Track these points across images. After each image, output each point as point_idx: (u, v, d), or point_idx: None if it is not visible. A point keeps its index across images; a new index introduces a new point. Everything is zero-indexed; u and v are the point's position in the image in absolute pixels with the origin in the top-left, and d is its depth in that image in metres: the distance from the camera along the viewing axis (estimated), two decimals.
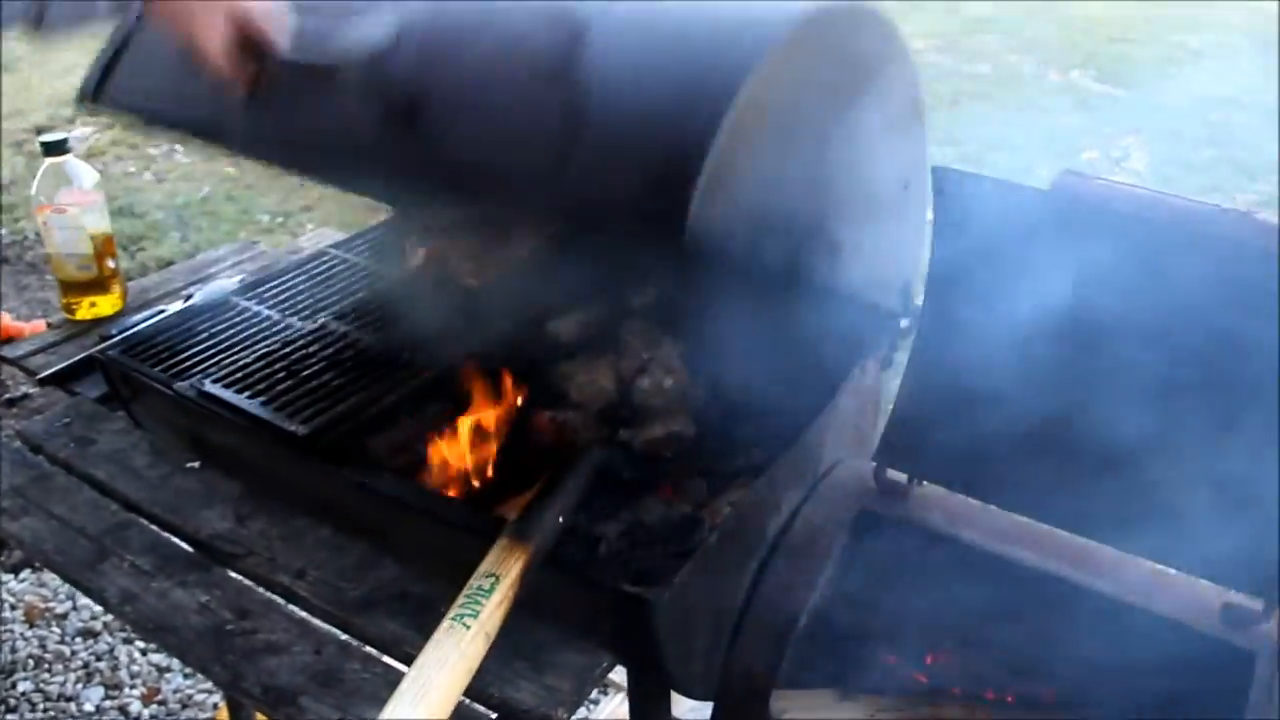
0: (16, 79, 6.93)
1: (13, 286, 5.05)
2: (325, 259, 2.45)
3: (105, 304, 2.49)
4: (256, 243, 2.90)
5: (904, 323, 2.03)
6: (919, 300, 1.97)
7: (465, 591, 1.35)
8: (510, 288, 2.26)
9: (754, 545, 1.72)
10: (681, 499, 1.98)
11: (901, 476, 1.80)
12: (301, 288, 2.31)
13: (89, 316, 2.46)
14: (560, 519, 1.50)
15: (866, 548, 1.79)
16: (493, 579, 1.33)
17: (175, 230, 5.41)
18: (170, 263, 4.43)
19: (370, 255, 2.46)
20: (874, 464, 1.81)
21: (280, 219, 5.53)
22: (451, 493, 1.83)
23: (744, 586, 1.71)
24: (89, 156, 6.27)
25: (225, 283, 2.53)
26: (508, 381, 2.17)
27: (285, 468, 1.82)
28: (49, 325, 2.46)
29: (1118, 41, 7.34)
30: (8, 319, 2.84)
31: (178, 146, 6.50)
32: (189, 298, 2.44)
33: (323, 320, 2.16)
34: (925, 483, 1.80)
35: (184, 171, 6.19)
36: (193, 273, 2.75)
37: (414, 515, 1.66)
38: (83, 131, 6.56)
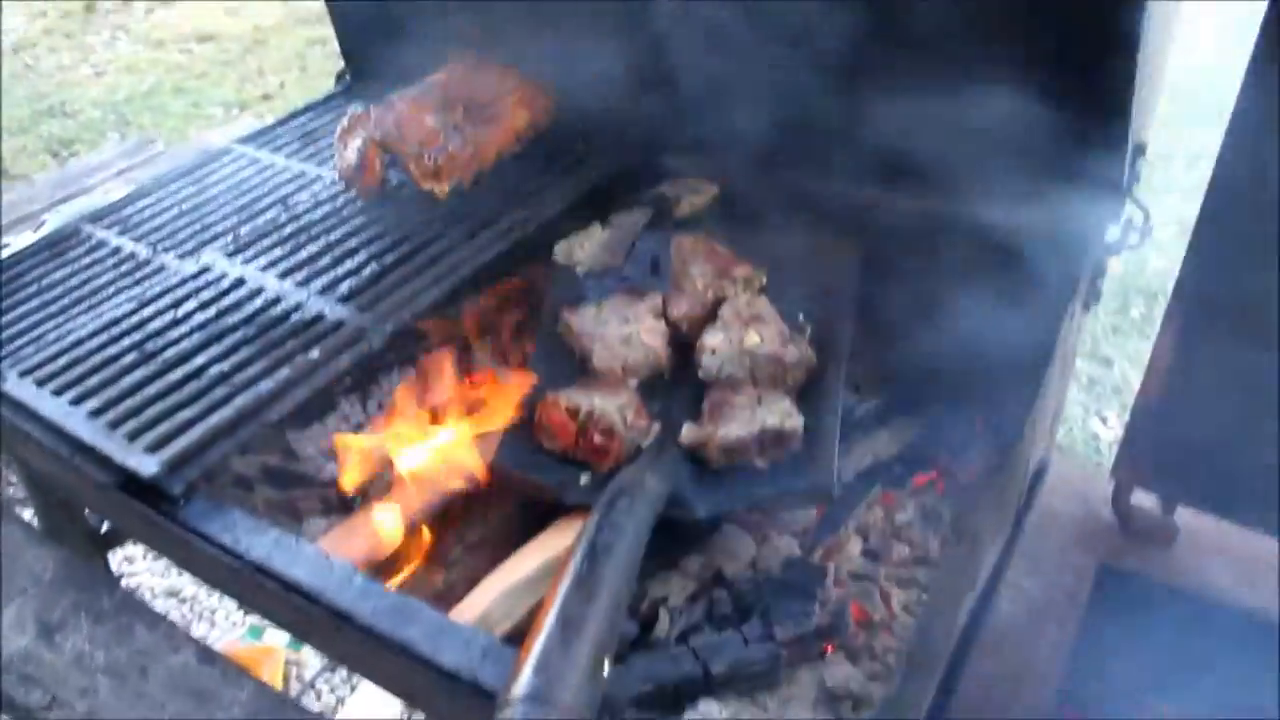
0: None
1: None
2: (227, 159, 1.67)
3: None
4: (153, 141, 2.11)
5: (1117, 230, 1.25)
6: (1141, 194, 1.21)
7: None
8: (491, 191, 1.49)
9: (939, 634, 0.98)
10: (780, 530, 1.25)
11: (1152, 502, 1.07)
12: (187, 206, 1.54)
13: None
14: (605, 663, 0.76)
15: (1107, 622, 1.06)
16: None
17: (114, 130, 4.59)
18: None
19: (292, 153, 1.67)
20: (1110, 482, 1.07)
21: (235, 111, 4.71)
22: (412, 564, 1.09)
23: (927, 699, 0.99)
24: (17, 50, 5.42)
25: (91, 201, 1.78)
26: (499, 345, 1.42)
27: (127, 524, 1.08)
28: None
29: None
30: None
31: (120, 34, 5.63)
32: (41, 227, 1.68)
33: (209, 257, 1.40)
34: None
35: (127, 63, 5.34)
36: (62, 186, 1.98)
37: (346, 628, 0.91)
38: (9, 22, 5.67)
